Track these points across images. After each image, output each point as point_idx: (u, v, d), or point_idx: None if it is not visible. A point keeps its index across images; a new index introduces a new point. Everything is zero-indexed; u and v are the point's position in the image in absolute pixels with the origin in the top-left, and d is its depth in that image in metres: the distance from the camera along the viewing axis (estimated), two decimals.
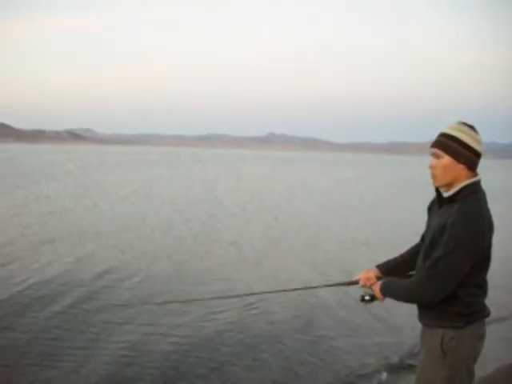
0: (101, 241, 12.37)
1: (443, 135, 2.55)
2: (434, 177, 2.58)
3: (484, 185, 2.58)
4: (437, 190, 2.63)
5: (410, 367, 5.50)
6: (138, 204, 20.40)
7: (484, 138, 2.60)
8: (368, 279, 2.90)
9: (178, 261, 10.61)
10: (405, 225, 16.22)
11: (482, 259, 2.48)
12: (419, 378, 2.64)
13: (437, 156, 2.56)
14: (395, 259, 2.98)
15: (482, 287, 2.57)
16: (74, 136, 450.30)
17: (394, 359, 5.92)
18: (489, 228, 2.49)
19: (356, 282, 2.98)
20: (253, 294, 4.13)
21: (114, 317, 6.85)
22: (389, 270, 2.92)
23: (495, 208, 3.02)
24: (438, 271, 2.42)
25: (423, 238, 2.77)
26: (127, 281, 8.77)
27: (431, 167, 2.59)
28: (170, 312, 7.07)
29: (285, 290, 3.55)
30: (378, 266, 2.98)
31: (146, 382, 5.17)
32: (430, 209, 2.72)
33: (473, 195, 2.48)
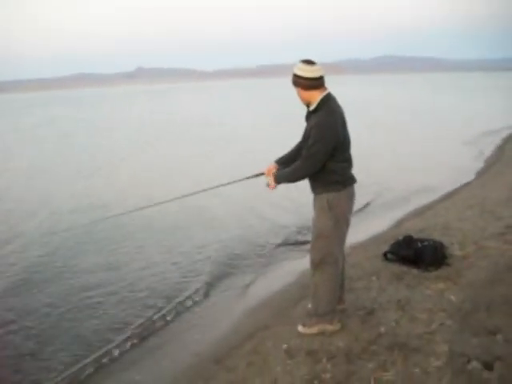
0: None
1: (293, 74, 3.64)
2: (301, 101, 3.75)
3: None
4: (307, 105, 3.72)
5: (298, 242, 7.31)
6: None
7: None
8: (270, 170, 3.99)
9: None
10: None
11: (341, 142, 3.60)
12: (314, 227, 3.83)
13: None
14: (287, 153, 4.10)
15: (348, 161, 3.75)
16: None
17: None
18: (342, 122, 3.63)
19: (262, 174, 4.08)
20: (177, 198, 5.17)
21: None
22: (284, 162, 4.04)
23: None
24: (311, 154, 3.55)
25: (303, 137, 3.84)
26: None
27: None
28: None
29: (204, 190, 4.51)
30: (276, 161, 4.10)
31: None
32: (307, 117, 3.76)
33: (326, 104, 3.59)
